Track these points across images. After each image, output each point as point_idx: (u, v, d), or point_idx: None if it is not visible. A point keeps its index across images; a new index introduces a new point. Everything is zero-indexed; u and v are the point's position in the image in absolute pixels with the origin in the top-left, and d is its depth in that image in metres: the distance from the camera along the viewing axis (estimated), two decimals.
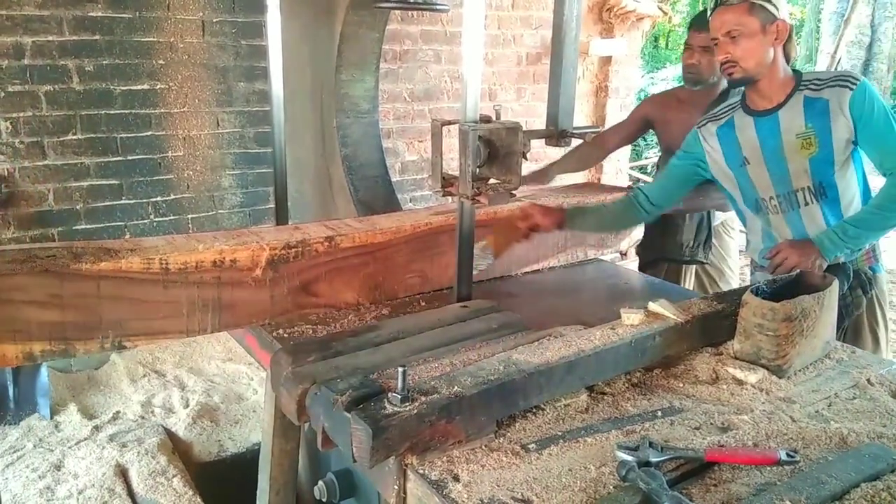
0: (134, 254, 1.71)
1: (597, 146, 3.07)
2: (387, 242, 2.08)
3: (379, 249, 2.07)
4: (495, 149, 1.71)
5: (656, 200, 2.37)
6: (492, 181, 1.77)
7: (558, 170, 3.14)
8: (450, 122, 1.86)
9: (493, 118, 1.78)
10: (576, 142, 2.12)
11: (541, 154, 4.59)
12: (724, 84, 2.75)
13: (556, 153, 3.25)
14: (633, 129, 3.12)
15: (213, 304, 1.83)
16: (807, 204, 2.15)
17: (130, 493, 2.58)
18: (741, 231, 2.72)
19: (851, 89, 2.00)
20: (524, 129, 1.78)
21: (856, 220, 2.04)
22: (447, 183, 1.86)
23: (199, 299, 1.80)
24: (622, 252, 2.93)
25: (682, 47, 2.93)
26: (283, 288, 1.93)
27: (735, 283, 3.23)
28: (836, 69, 8.26)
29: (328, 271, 2.00)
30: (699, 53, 2.74)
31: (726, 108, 2.25)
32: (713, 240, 3.04)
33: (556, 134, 1.91)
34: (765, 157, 2.14)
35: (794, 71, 2.13)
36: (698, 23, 2.71)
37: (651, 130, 3.11)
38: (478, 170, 1.71)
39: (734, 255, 3.29)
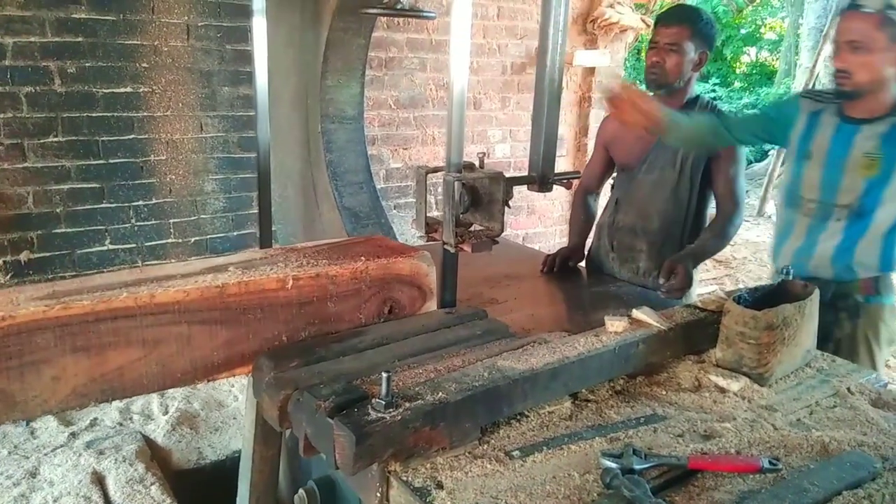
0: None
1: (589, 195, 2.89)
2: None
3: None
4: (478, 196, 1.72)
5: (737, 132, 2.36)
6: (475, 227, 1.79)
7: (579, 239, 2.82)
8: (435, 170, 1.87)
9: (478, 165, 1.79)
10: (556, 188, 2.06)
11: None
12: (691, 92, 2.56)
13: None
14: (605, 156, 2.82)
15: None
16: (837, 220, 2.15)
17: (107, 501, 2.54)
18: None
19: None
20: (508, 161, 1.78)
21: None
22: (431, 228, 1.87)
23: None
24: None
25: None
26: None
27: None
28: (813, 84, 8.38)
29: None
30: (665, 52, 2.46)
31: (827, 97, 2.21)
32: None
33: (538, 180, 1.92)
34: (826, 161, 2.13)
35: None
36: (667, 18, 2.51)
37: None
38: (461, 216, 1.73)
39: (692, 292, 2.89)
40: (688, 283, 2.29)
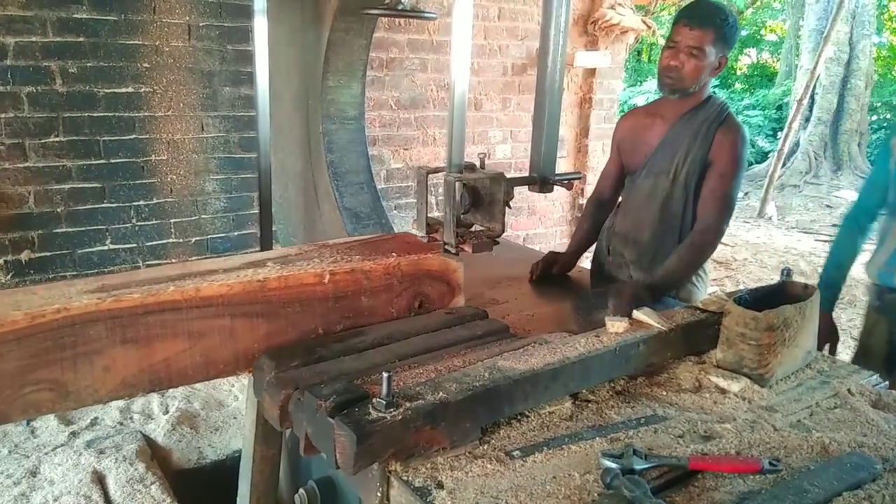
0: None
1: (601, 202, 2.69)
2: None
3: None
4: (479, 196, 1.73)
5: (875, 210, 2.35)
6: (475, 228, 1.79)
7: (576, 249, 2.69)
8: (436, 171, 1.88)
9: (478, 165, 1.80)
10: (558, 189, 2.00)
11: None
12: (705, 93, 2.33)
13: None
14: (619, 158, 2.61)
15: None
16: None
17: (108, 501, 2.54)
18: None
19: None
20: (508, 162, 1.79)
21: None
22: (432, 229, 1.87)
23: None
24: None
25: None
26: None
27: None
28: (814, 86, 8.36)
29: None
30: (685, 55, 2.20)
31: None
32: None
33: (538, 181, 1.91)
34: None
35: None
36: (691, 17, 2.21)
37: None
38: (462, 216, 1.73)
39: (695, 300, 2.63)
40: (628, 311, 1.94)
